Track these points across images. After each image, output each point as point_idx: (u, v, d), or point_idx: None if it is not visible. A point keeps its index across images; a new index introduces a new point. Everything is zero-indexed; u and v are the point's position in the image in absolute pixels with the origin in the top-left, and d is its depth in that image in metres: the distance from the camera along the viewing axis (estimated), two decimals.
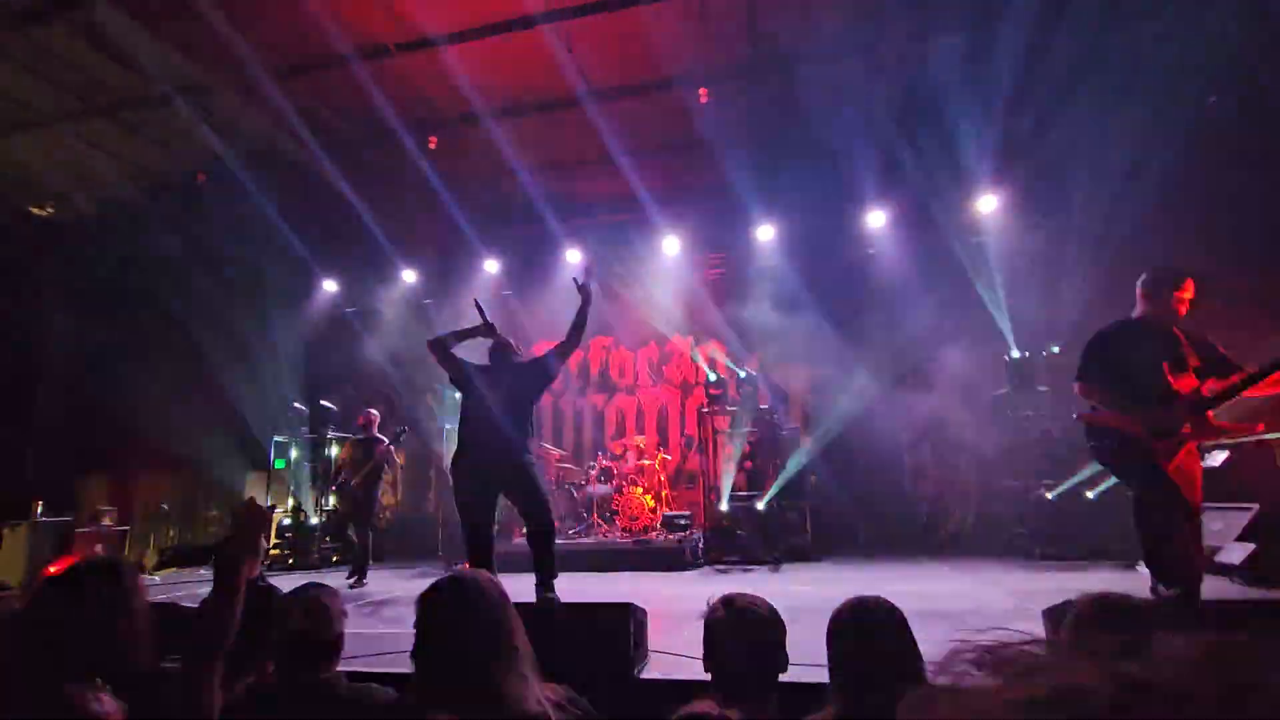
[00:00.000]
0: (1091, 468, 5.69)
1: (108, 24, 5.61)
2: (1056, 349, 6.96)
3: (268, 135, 7.21)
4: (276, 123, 6.90)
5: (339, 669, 1.85)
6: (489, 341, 4.32)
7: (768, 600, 1.74)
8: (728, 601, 1.71)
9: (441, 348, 4.18)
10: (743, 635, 1.63)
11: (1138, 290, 3.36)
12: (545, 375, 4.22)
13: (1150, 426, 3.11)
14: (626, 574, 6.32)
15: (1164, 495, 3.11)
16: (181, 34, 5.84)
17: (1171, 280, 3.25)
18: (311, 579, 2.02)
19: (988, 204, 7.49)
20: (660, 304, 9.08)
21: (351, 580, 6.11)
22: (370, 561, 6.42)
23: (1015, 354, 7.17)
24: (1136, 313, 3.35)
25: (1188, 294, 3.25)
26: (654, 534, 7.23)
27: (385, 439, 6.66)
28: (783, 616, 1.73)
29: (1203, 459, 5.80)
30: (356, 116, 7.14)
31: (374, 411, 6.90)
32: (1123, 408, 3.18)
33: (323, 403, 9.06)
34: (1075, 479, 6.16)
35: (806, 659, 1.92)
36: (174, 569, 8.05)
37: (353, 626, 2.04)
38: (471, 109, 6.84)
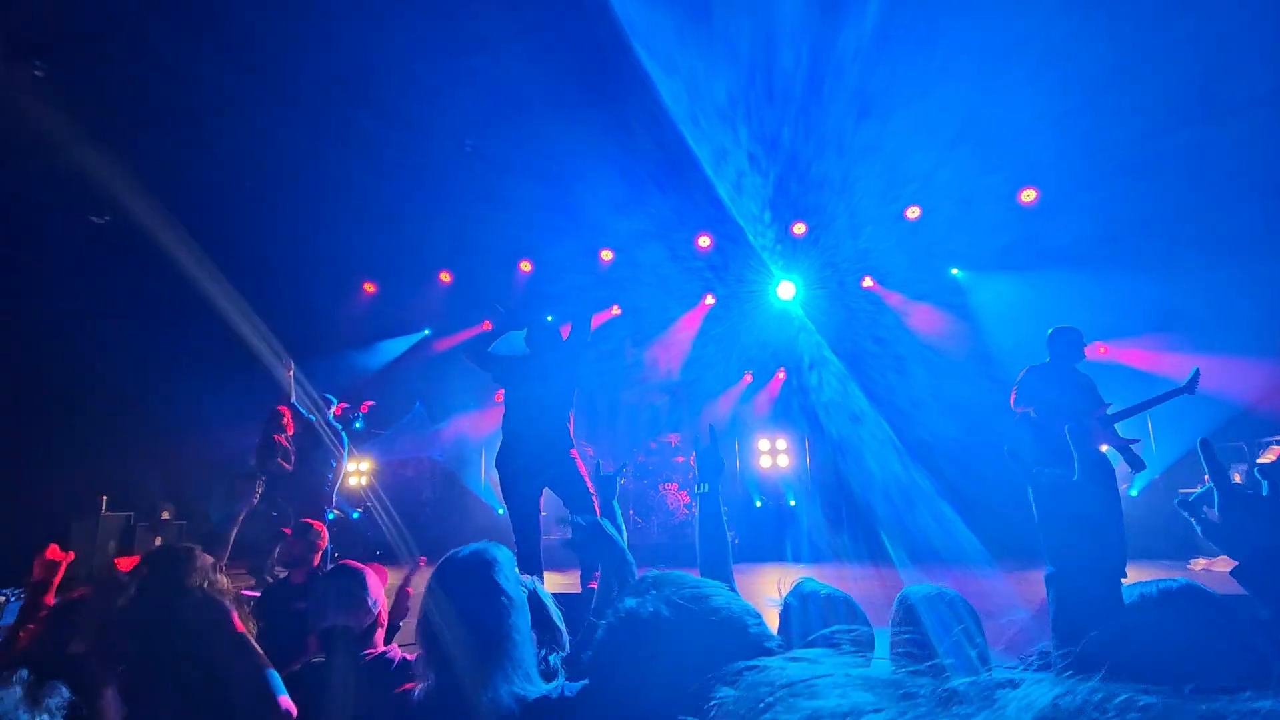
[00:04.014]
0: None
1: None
2: None
3: None
4: None
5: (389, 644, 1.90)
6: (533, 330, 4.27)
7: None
8: (800, 588, 1.64)
9: (470, 354, 4.24)
10: (818, 622, 1.53)
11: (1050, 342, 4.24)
12: (573, 363, 4.22)
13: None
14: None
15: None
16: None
17: (1078, 337, 4.20)
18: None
19: None
20: None
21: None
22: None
23: None
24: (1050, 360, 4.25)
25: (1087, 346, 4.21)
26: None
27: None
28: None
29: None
30: None
31: (329, 397, 6.19)
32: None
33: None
34: None
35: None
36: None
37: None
38: None
